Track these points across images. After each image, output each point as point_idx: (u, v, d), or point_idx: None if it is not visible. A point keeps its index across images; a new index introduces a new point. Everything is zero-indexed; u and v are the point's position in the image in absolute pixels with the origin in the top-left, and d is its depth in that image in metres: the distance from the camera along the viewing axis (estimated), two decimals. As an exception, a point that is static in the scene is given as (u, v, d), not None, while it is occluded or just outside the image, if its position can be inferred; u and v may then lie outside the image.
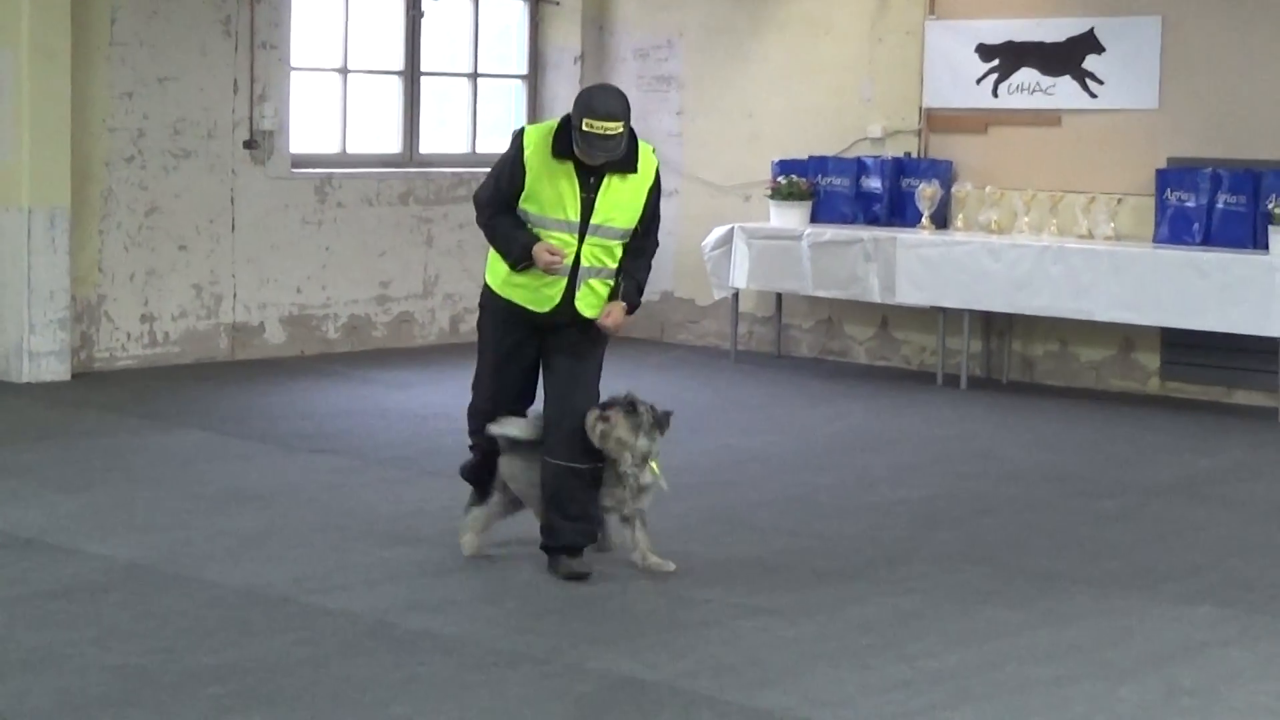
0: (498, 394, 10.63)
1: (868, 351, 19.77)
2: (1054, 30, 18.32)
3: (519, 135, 10.16)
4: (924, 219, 18.56)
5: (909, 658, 9.51)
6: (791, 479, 13.97)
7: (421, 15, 20.33)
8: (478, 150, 20.89)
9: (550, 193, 9.70)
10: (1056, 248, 17.56)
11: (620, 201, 9.83)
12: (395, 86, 20.41)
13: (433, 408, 16.72)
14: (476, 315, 11.07)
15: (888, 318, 19.48)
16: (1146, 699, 8.93)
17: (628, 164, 9.78)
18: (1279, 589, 11.13)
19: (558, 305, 10.08)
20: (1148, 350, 18.04)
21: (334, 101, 20.00)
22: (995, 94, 18.76)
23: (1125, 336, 18.05)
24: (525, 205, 9.78)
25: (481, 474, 11.12)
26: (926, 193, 18.56)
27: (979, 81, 18.83)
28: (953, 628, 10.17)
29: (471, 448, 11.23)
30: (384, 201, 19.84)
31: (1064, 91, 18.35)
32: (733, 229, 19.30)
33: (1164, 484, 14.10)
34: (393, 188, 19.99)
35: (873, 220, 18.92)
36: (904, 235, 18.32)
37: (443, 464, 13.75)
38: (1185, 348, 17.62)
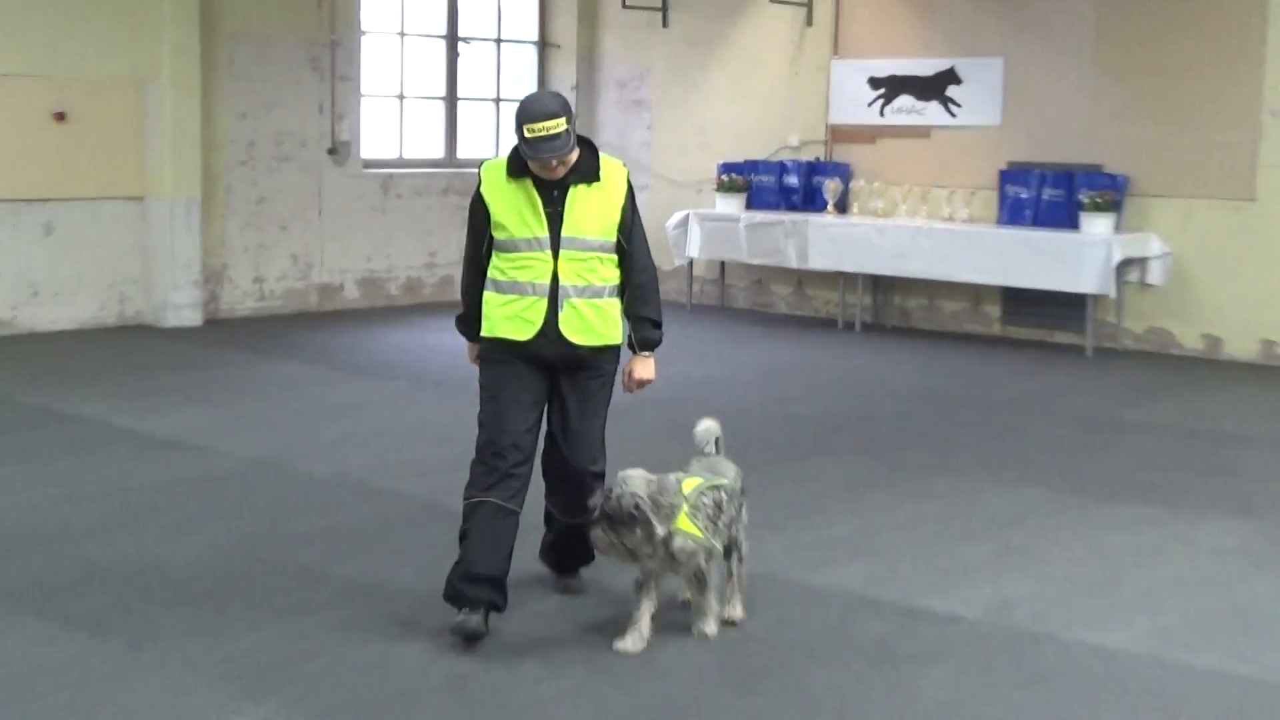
0: (498, 420, 7.64)
1: (787, 304, 19.72)
2: (925, 67, 18.28)
3: (478, 174, 7.86)
4: (829, 206, 18.56)
5: (815, 527, 9.74)
6: (730, 396, 13.97)
7: (458, 55, 20.37)
8: (500, 155, 20.76)
9: (515, 214, 7.57)
10: (926, 227, 17.59)
11: (589, 211, 7.60)
12: (439, 108, 20.36)
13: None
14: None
15: (802, 279, 19.41)
16: (987, 554, 9.19)
17: (589, 173, 7.64)
18: (1085, 475, 11.27)
19: (540, 330, 7.55)
20: (992, 303, 18.07)
21: (393, 119, 19.91)
22: (881, 114, 18.68)
23: (975, 293, 18.07)
24: (495, 233, 7.66)
25: (481, 556, 7.54)
26: (831, 187, 18.57)
27: (869, 105, 18.77)
28: (846, 504, 10.35)
29: (467, 515, 7.64)
30: (431, 193, 19.78)
31: (932, 112, 18.31)
32: (688, 214, 19.30)
33: (1003, 400, 14.20)
34: (437, 183, 19.92)
35: (791, 207, 18.79)
36: (814, 218, 18.27)
37: (475, 385, 13.87)
38: (1019, 301, 17.68)
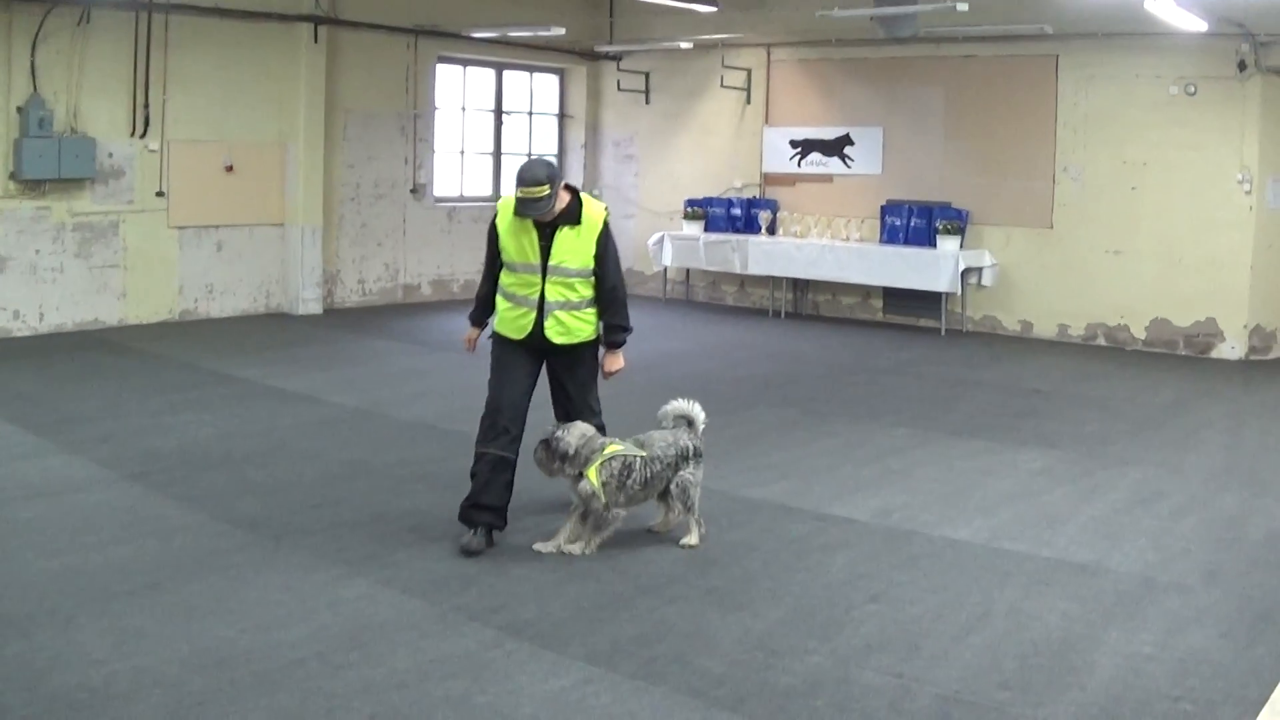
0: (499, 391, 7.54)
1: (733, 299, 19.53)
2: (828, 133, 18.17)
3: (495, 208, 7.66)
4: (763, 230, 18.44)
5: (753, 456, 9.77)
6: (693, 365, 13.95)
7: (502, 124, 20.36)
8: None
9: (516, 244, 7.45)
10: (830, 245, 17.52)
11: (571, 247, 7.43)
12: (489, 160, 20.24)
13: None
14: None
15: (744, 281, 19.24)
16: (873, 475, 9.24)
17: (573, 218, 7.44)
18: (941, 418, 11.30)
19: (530, 332, 7.52)
20: (876, 298, 17.96)
21: (456, 168, 19.81)
22: (799, 165, 18.54)
23: (865, 291, 17.97)
24: (503, 255, 7.52)
25: (486, 490, 7.46)
26: (764, 216, 18.47)
27: (790, 158, 18.63)
28: (775, 440, 10.37)
29: (476, 460, 7.58)
30: (483, 220, 19.41)
31: (833, 164, 18.17)
32: (664, 234, 19.19)
33: (884, 367, 14.14)
34: (487, 213, 19.23)
35: (736, 230, 18.63)
36: (752, 238, 18.20)
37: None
38: (895, 297, 17.59)
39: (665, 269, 19.67)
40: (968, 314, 17.15)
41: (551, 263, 7.46)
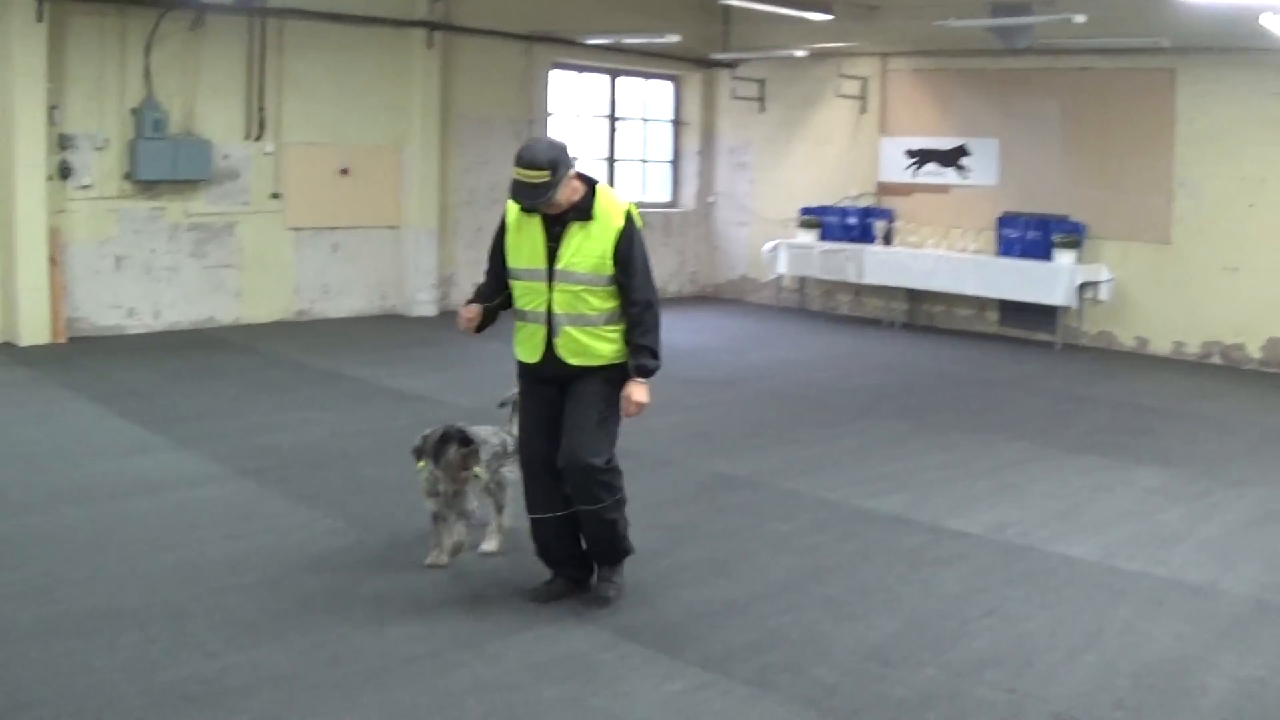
0: (527, 436, 6.57)
1: (848, 308, 19.42)
2: (945, 143, 18.06)
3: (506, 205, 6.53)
4: (878, 239, 18.35)
5: (868, 467, 9.77)
6: (807, 374, 13.91)
7: (617, 130, 20.44)
8: (645, 199, 20.86)
9: (522, 245, 6.31)
10: (946, 256, 17.44)
11: (581, 248, 6.23)
12: (602, 165, 20.25)
13: (679, 332, 16.69)
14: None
15: (859, 290, 19.12)
16: (988, 489, 9.16)
17: (584, 212, 6.27)
18: (1056, 433, 11.18)
19: (545, 354, 6.37)
20: (992, 310, 17.76)
21: (572, 174, 19.87)
22: (915, 175, 18.44)
23: (980, 303, 17.81)
24: (509, 262, 6.41)
25: (548, 557, 6.70)
26: (879, 226, 18.39)
27: (906, 168, 18.55)
28: (890, 451, 10.33)
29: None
30: None
31: (949, 175, 18.05)
32: (779, 242, 19.17)
33: (999, 380, 14.03)
34: None
35: (851, 239, 18.49)
36: (868, 247, 18.10)
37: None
38: (1010, 309, 17.39)
39: (779, 276, 19.62)
40: (1083, 329, 16.93)
41: (559, 266, 6.29)
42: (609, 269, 6.28)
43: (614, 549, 6.64)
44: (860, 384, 13.50)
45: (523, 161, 6.12)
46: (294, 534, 7.57)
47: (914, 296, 18.58)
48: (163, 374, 12.43)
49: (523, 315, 6.46)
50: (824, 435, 10.84)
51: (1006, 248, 17.17)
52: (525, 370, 6.57)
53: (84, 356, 13.23)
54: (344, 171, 16.57)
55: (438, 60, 17.22)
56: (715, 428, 11.05)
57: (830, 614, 6.54)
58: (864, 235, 18.67)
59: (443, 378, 12.77)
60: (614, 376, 6.41)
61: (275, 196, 15.92)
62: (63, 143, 14.13)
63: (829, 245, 18.64)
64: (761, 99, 20.44)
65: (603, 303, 6.32)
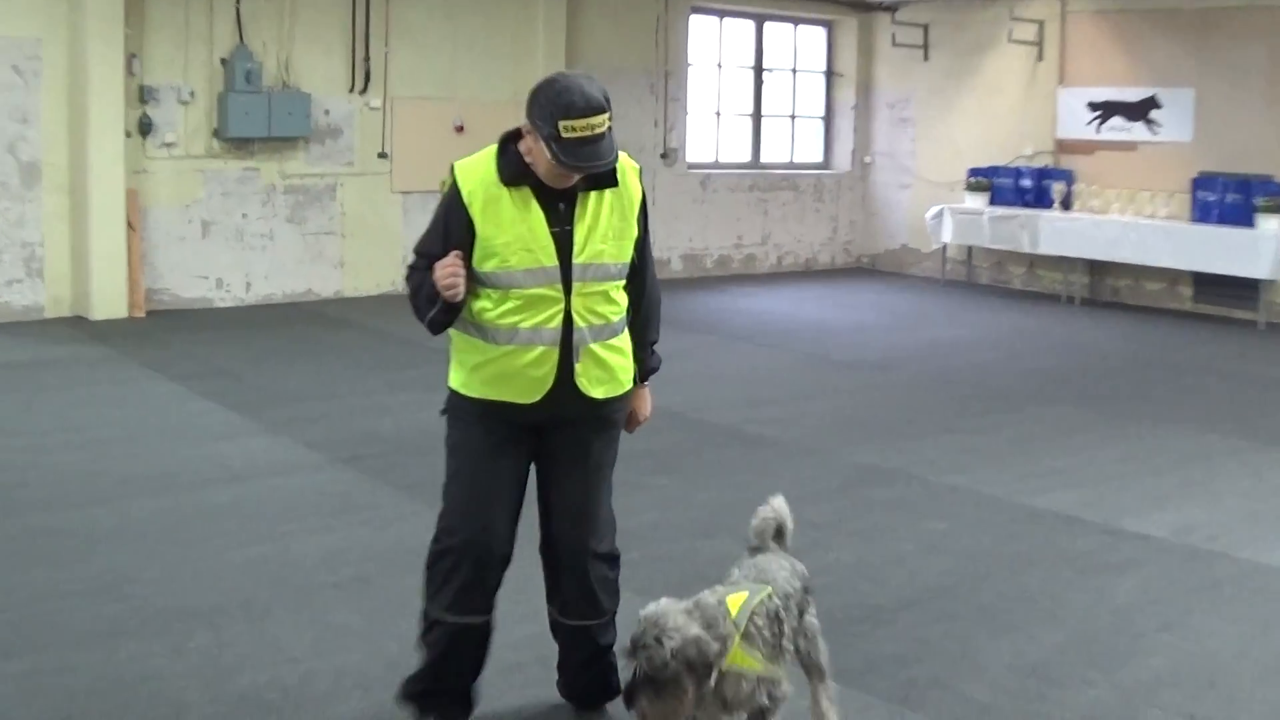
0: (474, 504, 4.92)
1: (1021, 281, 19.35)
2: (1133, 94, 17.86)
3: (450, 177, 4.79)
4: (1055, 204, 18.25)
5: (1035, 460, 9.70)
6: (971, 356, 13.84)
7: (763, 82, 20.38)
8: (795, 160, 20.95)
9: (512, 235, 4.67)
10: (1133, 222, 17.26)
11: (607, 228, 4.81)
12: (747, 123, 20.35)
13: (769, 308, 16.71)
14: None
15: (1033, 262, 19.05)
16: (1173, 486, 9.04)
17: (609, 176, 4.81)
18: (1253, 424, 11.01)
19: (553, 389, 4.79)
20: (1185, 284, 17.56)
21: (711, 131, 20.00)
22: (1098, 131, 18.29)
23: (1172, 276, 17.59)
24: (488, 267, 4.71)
25: (448, 671, 5.08)
26: (1057, 188, 18.28)
27: (1088, 123, 18.40)
28: (1063, 444, 10.23)
29: (428, 629, 5.06)
30: (740, 189, 19.73)
31: (1137, 130, 17.87)
32: (943, 208, 19.13)
33: (1190, 363, 13.85)
34: (744, 181, 19.85)
35: (1025, 204, 18.45)
36: (1044, 213, 18.01)
37: (773, 340, 13.88)
38: (1206, 283, 17.18)
39: (944, 246, 19.58)
40: (1292, 305, 16.69)
41: (581, 259, 4.79)
42: (630, 254, 4.99)
43: (608, 684, 5.34)
44: (1031, 367, 13.39)
45: (577, 108, 4.54)
46: (393, 528, 7.64)
47: (1096, 269, 18.44)
48: (253, 352, 12.61)
49: (510, 336, 4.81)
50: (987, 424, 10.76)
51: (1203, 213, 16.93)
52: (492, 414, 4.94)
53: (164, 332, 13.49)
54: (459, 129, 16.69)
55: (563, 6, 17.31)
56: (866, 414, 11.00)
57: (987, 625, 6.47)
58: (1039, 199, 18.53)
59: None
60: (624, 412, 5.24)
61: (382, 156, 16.09)
62: (143, 95, 14.37)
63: (1000, 211, 18.56)
64: (925, 46, 20.34)
65: (621, 298, 5.02)
